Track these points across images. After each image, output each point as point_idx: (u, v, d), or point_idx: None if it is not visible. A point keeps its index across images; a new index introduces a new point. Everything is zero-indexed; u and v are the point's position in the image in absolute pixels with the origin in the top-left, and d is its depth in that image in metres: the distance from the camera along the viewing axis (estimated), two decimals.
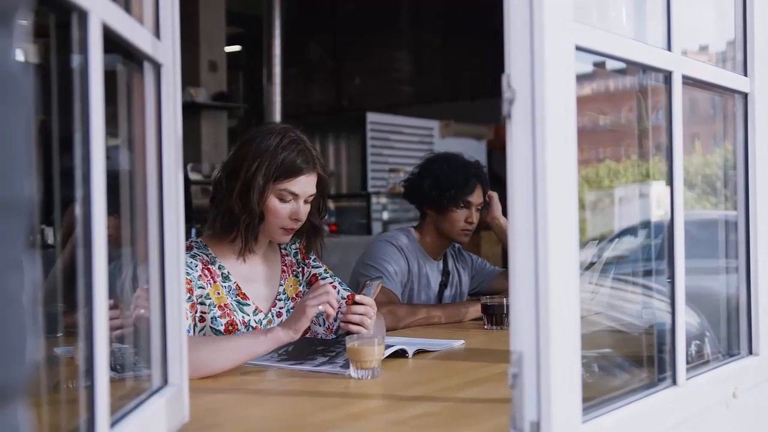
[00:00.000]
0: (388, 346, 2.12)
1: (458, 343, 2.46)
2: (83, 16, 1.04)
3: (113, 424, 1.14)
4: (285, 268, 2.48)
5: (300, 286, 2.49)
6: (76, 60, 1.06)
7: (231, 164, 2.32)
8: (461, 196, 3.10)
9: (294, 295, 2.46)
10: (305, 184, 2.31)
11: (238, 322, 2.28)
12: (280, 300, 2.43)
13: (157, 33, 1.41)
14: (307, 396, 1.82)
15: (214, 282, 2.28)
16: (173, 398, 1.43)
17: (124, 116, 1.40)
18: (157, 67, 1.41)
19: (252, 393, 1.89)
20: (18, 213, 0.60)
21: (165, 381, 1.44)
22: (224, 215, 2.30)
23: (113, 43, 1.17)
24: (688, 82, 1.65)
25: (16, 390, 0.60)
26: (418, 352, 2.28)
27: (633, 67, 1.66)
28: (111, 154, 1.16)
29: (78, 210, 1.06)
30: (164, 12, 1.43)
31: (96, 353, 1.05)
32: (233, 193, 2.27)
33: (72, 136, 1.07)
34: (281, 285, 2.45)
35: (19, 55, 0.61)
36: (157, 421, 1.34)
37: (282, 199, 2.29)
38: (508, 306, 2.77)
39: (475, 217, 3.14)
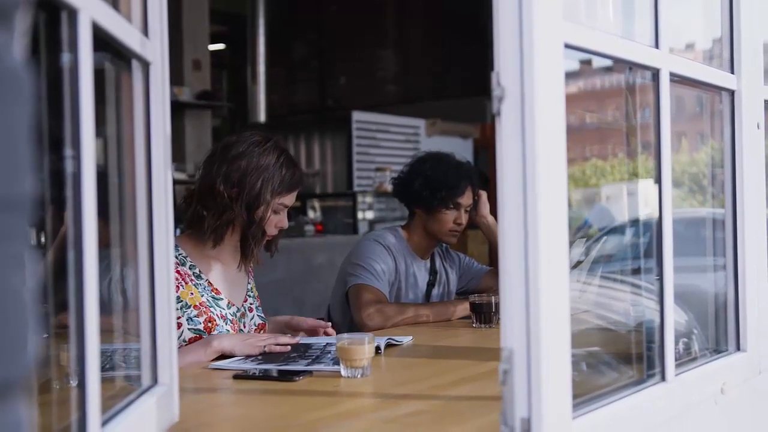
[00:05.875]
0: None
1: (407, 339, 2.50)
2: (73, 14, 1.03)
3: (104, 423, 1.14)
4: (250, 269, 2.60)
5: (255, 290, 2.64)
6: (65, 58, 1.06)
7: (232, 176, 2.35)
8: (451, 198, 3.10)
9: (256, 295, 2.61)
10: (295, 197, 2.48)
11: (216, 317, 2.37)
12: (250, 296, 2.56)
13: (145, 31, 1.41)
14: (297, 395, 1.82)
15: (186, 283, 2.36)
16: (163, 398, 1.42)
17: (112, 115, 1.40)
18: (145, 65, 1.41)
19: (242, 393, 1.89)
20: (20, 210, 0.60)
21: (155, 380, 1.43)
22: (225, 225, 2.38)
23: (101, 41, 1.16)
24: (676, 79, 1.66)
25: (19, 386, 0.60)
26: (389, 346, 2.34)
27: (620, 64, 1.67)
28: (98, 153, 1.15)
29: (68, 210, 1.05)
30: (152, 10, 1.43)
31: (87, 353, 1.05)
32: (235, 206, 2.35)
33: (61, 135, 1.06)
34: (249, 283, 2.58)
35: (20, 53, 0.61)
36: (148, 421, 1.34)
37: (275, 212, 2.42)
38: (496, 304, 2.79)
39: (464, 218, 3.14)
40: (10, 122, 0.59)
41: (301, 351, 2.24)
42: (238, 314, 2.46)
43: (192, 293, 2.35)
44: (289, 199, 2.44)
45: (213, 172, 2.37)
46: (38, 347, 0.63)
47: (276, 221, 2.43)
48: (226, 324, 2.38)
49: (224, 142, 2.45)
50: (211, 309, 2.37)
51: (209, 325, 2.34)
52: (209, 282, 2.41)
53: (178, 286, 2.30)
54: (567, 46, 1.30)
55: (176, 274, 2.31)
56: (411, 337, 2.51)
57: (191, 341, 2.29)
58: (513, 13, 1.22)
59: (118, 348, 1.52)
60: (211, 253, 2.43)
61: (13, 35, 0.60)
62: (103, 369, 1.15)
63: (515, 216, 1.22)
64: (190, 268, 2.39)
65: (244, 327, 2.47)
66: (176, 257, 2.36)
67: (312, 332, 2.53)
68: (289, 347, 2.24)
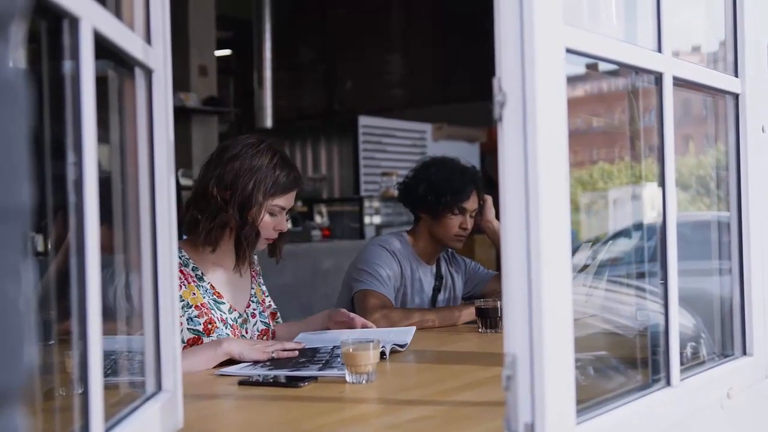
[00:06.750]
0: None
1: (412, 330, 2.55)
2: (74, 22, 1.04)
3: (107, 430, 1.14)
4: (254, 274, 2.61)
5: (262, 294, 2.62)
6: (67, 66, 1.06)
7: (225, 177, 2.37)
8: (456, 203, 3.09)
9: (260, 300, 2.59)
10: (292, 199, 2.47)
11: (216, 319, 2.37)
12: (253, 302, 2.55)
13: (148, 39, 1.41)
14: (301, 401, 1.82)
15: (189, 283, 2.37)
16: (167, 404, 1.42)
17: (116, 122, 1.40)
18: (148, 72, 1.41)
19: (246, 399, 1.88)
20: (17, 219, 0.61)
21: (159, 387, 1.43)
22: (219, 228, 2.38)
23: (104, 48, 1.16)
24: (679, 83, 1.65)
25: (15, 394, 0.61)
26: (393, 352, 2.34)
27: (624, 68, 1.67)
28: (101, 160, 1.16)
29: (70, 217, 1.06)
30: (155, 18, 1.43)
31: (90, 361, 1.05)
32: (228, 208, 2.36)
33: (63, 142, 1.07)
34: (252, 289, 2.57)
35: (16, 62, 0.62)
36: (152, 427, 1.34)
37: (271, 214, 2.42)
38: (502, 309, 2.78)
39: (469, 223, 3.14)
40: (7, 132, 0.59)
41: (309, 356, 2.23)
42: (240, 320, 2.46)
43: (194, 293, 2.36)
44: (285, 201, 2.43)
45: (207, 175, 2.40)
46: (35, 356, 0.63)
47: (274, 224, 2.42)
48: (225, 328, 2.38)
49: (221, 146, 2.48)
50: (212, 311, 2.37)
51: (209, 327, 2.34)
52: (212, 285, 2.42)
53: (180, 285, 2.31)
54: (568, 50, 1.30)
55: (179, 274, 2.32)
56: (413, 328, 2.55)
57: (190, 342, 2.29)
58: (514, 18, 1.22)
59: (122, 351, 1.52)
60: (212, 258, 2.43)
61: (8, 44, 0.60)
62: (106, 375, 1.16)
63: (517, 221, 1.22)
64: (192, 270, 2.40)
65: (246, 333, 2.47)
66: (180, 259, 2.37)
67: (348, 325, 2.56)
68: (296, 353, 2.24)
